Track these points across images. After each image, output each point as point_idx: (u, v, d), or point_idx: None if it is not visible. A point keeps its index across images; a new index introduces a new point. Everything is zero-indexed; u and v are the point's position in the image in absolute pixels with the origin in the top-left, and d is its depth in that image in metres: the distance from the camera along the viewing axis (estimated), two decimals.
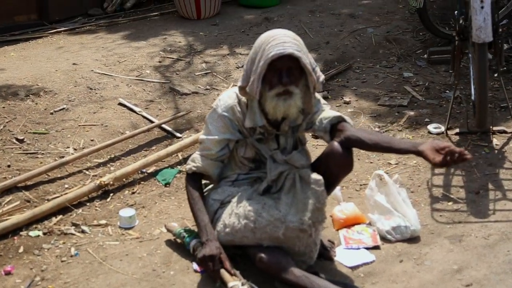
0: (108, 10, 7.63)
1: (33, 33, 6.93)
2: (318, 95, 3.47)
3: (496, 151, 4.49)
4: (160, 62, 5.95)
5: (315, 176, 3.24)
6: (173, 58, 6.04)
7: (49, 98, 5.12)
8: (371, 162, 4.45)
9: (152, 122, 4.91)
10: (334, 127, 3.32)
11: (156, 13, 7.56)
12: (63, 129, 4.72)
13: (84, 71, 5.62)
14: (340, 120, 3.32)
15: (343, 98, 5.47)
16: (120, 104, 5.12)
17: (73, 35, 6.91)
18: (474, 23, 3.93)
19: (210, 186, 3.55)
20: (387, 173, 4.20)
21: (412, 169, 4.33)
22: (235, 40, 6.57)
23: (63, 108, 4.97)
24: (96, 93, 5.24)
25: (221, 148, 3.34)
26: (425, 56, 6.02)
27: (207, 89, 5.51)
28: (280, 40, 3.14)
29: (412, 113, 5.15)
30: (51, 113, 4.90)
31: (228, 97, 3.36)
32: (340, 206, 3.82)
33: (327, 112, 3.37)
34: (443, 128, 4.81)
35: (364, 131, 3.23)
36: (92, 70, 5.65)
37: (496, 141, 4.61)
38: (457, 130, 4.77)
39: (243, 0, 7.70)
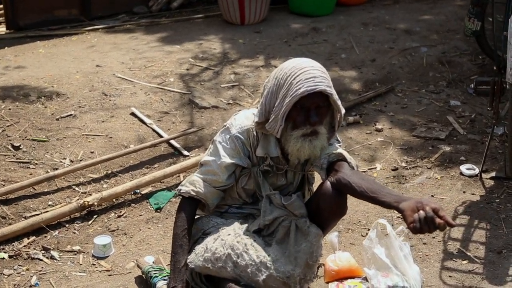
0: (153, 9, 7.38)
1: (71, 29, 6.75)
2: None
3: None
4: (187, 70, 5.63)
5: (315, 229, 2.89)
6: (202, 66, 5.70)
7: (60, 102, 4.88)
8: None
9: (161, 136, 4.59)
10: (332, 165, 2.90)
11: (200, 15, 7.25)
12: (64, 137, 4.47)
13: (105, 75, 5.37)
14: (339, 158, 2.90)
15: (375, 125, 4.98)
16: (132, 114, 4.82)
17: (109, 34, 6.68)
18: (510, 61, 3.41)
19: None
20: (399, 218, 3.75)
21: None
22: (274, 50, 6.17)
23: (70, 115, 4.72)
24: (110, 100, 4.96)
25: (229, 175, 2.95)
26: (472, 85, 5.43)
27: (229, 103, 5.14)
28: (310, 74, 2.74)
29: (448, 148, 4.62)
30: (57, 119, 4.66)
31: (245, 117, 2.97)
32: (334, 256, 3.38)
33: (329, 147, 2.95)
34: (477, 170, 4.27)
35: (357, 176, 2.79)
36: (114, 74, 5.39)
37: None
38: (493, 174, 4.22)
39: (294, 7, 7.28)
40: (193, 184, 2.96)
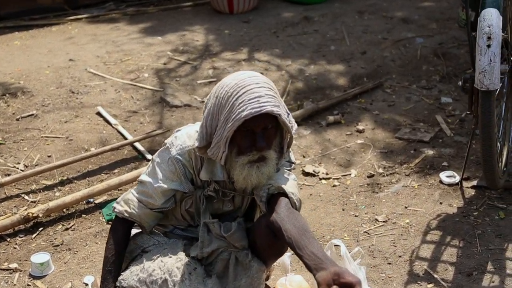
0: None
1: (52, 19, 6.51)
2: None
3: None
4: (164, 64, 5.36)
5: (257, 263, 2.64)
6: (180, 60, 5.43)
7: (24, 100, 4.66)
8: (355, 216, 3.69)
9: (125, 138, 4.34)
10: (272, 198, 2.59)
11: (189, 4, 6.96)
12: (22, 139, 4.24)
13: (77, 70, 5.13)
14: (280, 191, 2.58)
15: (357, 125, 4.67)
16: (98, 113, 4.58)
17: (91, 24, 6.43)
18: (478, 65, 3.08)
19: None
20: (367, 234, 3.48)
21: (400, 231, 3.53)
22: (260, 42, 5.87)
23: (32, 114, 4.49)
24: (77, 99, 4.72)
25: (165, 200, 2.66)
26: (460, 82, 5.08)
27: (203, 101, 4.86)
28: (254, 93, 2.39)
29: (431, 152, 4.29)
30: (17, 119, 4.44)
31: (187, 136, 2.64)
32: (285, 279, 3.11)
33: (274, 175, 2.61)
34: (458, 178, 3.95)
35: (292, 220, 2.43)
36: (86, 69, 5.15)
37: None
38: (475, 182, 3.90)
39: None
40: (127, 203, 2.69)
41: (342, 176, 4.10)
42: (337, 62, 5.56)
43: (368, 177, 4.08)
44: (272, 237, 2.53)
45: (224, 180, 2.63)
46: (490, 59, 3.03)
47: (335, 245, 3.07)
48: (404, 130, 4.61)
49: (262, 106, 2.38)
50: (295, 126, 2.60)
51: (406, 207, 3.73)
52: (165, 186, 2.61)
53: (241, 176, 2.50)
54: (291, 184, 2.59)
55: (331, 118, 4.74)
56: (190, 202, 2.72)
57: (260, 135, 2.44)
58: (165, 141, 2.70)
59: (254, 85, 2.41)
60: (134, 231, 2.84)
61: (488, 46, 3.02)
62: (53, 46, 5.69)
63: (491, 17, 3.14)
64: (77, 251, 3.42)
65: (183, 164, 2.61)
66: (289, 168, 2.72)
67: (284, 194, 2.54)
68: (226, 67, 5.34)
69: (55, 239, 3.52)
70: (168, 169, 2.62)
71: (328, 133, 4.60)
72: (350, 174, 4.12)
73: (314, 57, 5.63)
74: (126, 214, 2.67)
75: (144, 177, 2.68)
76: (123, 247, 2.71)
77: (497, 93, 3.26)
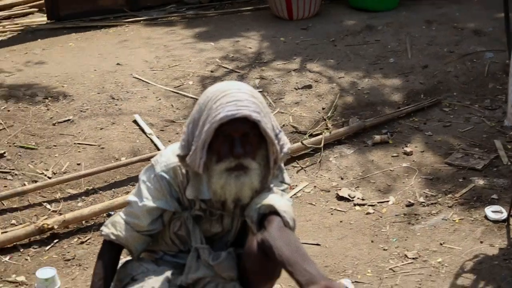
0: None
1: (111, 21, 6.48)
2: (282, 165, 2.59)
3: None
4: (211, 72, 5.20)
5: None
6: (228, 68, 5.26)
7: (64, 104, 4.61)
8: (384, 249, 3.41)
9: (158, 149, 4.21)
10: (264, 218, 2.41)
11: (250, 8, 6.78)
12: (55, 145, 4.19)
13: (122, 75, 5.05)
14: (271, 210, 2.40)
15: (406, 146, 4.36)
16: (135, 121, 4.48)
17: (148, 27, 6.36)
18: (510, 104, 2.77)
19: None
20: (392, 271, 3.20)
21: (429, 271, 3.22)
22: (315, 51, 5.62)
23: (68, 120, 4.44)
24: (116, 105, 4.64)
25: (152, 220, 2.52)
26: None
27: None
28: (233, 97, 2.30)
29: (481, 182, 3.94)
30: (53, 124, 4.39)
31: (173, 153, 2.51)
32: None
33: (265, 195, 2.45)
34: (505, 214, 3.59)
35: (283, 238, 2.28)
36: (131, 74, 5.07)
37: None
38: None
39: (354, 1, 6.65)
40: (114, 225, 2.54)
41: (378, 203, 3.82)
42: (394, 76, 5.24)
43: (407, 206, 3.78)
44: (263, 257, 2.35)
45: (210, 199, 2.47)
46: None
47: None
48: (456, 155, 4.26)
49: (239, 109, 2.27)
50: (287, 145, 2.45)
51: (441, 244, 3.42)
52: (150, 204, 2.47)
53: (218, 185, 2.37)
54: (283, 203, 2.42)
55: (377, 138, 4.45)
56: (178, 224, 2.56)
57: (238, 140, 2.31)
58: (151, 159, 2.56)
59: (235, 90, 2.33)
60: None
61: None
62: (104, 49, 5.65)
63: None
64: (86, 267, 3.32)
65: (168, 182, 2.48)
66: (282, 188, 2.54)
67: (276, 213, 2.37)
68: (274, 77, 5.13)
69: (68, 252, 3.42)
70: (153, 187, 2.49)
71: (373, 153, 4.31)
72: (387, 201, 3.84)
73: (370, 69, 5.33)
74: (112, 237, 2.53)
75: (131, 197, 2.56)
76: (110, 272, 2.57)
77: None
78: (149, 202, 2.48)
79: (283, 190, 2.54)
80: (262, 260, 2.37)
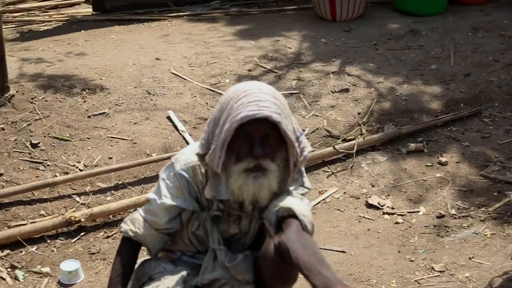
0: None
1: (155, 14, 6.52)
2: (302, 169, 2.56)
3: None
4: (249, 71, 5.18)
5: None
6: (266, 68, 5.22)
7: (100, 97, 4.65)
8: (411, 260, 3.34)
9: None
10: (282, 220, 2.38)
11: (293, 7, 6.73)
12: (88, 138, 4.23)
13: (160, 70, 5.07)
14: (290, 213, 2.38)
15: (441, 156, 4.27)
16: (168, 117, 4.49)
17: (191, 22, 6.37)
18: None
19: None
20: (417, 283, 3.14)
21: (456, 286, 3.15)
22: (356, 54, 5.54)
23: (103, 113, 4.47)
24: (151, 100, 4.65)
25: (170, 218, 2.51)
26: None
27: None
28: (255, 97, 2.28)
29: None
30: (89, 116, 4.43)
31: (192, 152, 2.49)
32: None
33: (284, 198, 2.42)
34: None
35: (301, 241, 2.25)
36: (169, 70, 5.08)
37: None
38: None
39: (399, 4, 6.54)
40: (133, 222, 2.55)
41: (408, 212, 3.75)
42: (435, 83, 5.13)
43: (437, 217, 3.70)
44: (279, 259, 2.32)
45: (228, 199, 2.45)
46: None
47: None
48: (492, 167, 4.16)
49: (261, 109, 2.24)
50: (308, 148, 2.41)
51: (470, 258, 3.34)
52: (169, 202, 2.46)
53: (236, 185, 2.34)
54: (302, 207, 2.39)
55: (412, 146, 4.37)
56: (196, 224, 2.55)
57: (258, 141, 2.28)
58: (172, 157, 2.55)
59: (257, 90, 2.30)
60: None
61: None
62: (145, 43, 5.68)
63: None
64: (110, 262, 3.33)
65: (187, 181, 2.46)
66: (301, 192, 2.50)
67: (295, 217, 2.34)
68: (311, 79, 5.08)
69: (93, 246, 3.45)
70: (172, 185, 2.47)
71: (406, 162, 4.24)
72: (418, 212, 3.77)
73: (410, 75, 5.24)
74: (131, 233, 2.54)
75: (151, 195, 2.55)
76: (129, 269, 2.57)
77: None
78: (167, 200, 2.47)
79: (302, 194, 2.51)
80: (278, 263, 2.34)
